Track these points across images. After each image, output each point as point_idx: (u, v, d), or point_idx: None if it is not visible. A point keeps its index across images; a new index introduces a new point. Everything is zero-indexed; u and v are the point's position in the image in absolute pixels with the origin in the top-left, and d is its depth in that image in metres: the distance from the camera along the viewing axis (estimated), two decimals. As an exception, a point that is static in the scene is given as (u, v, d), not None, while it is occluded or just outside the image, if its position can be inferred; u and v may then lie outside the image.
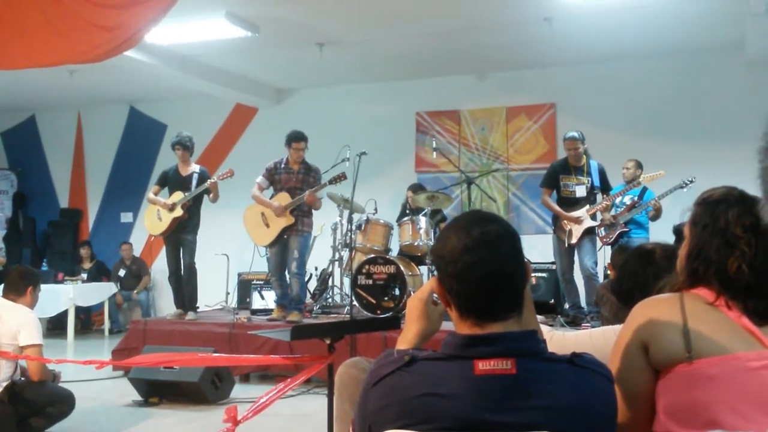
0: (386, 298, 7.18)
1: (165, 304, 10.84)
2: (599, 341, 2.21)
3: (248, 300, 8.52)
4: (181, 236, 7.42)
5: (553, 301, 7.77)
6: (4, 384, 4.43)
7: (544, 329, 2.34)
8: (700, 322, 1.69)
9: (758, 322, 1.68)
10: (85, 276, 10.81)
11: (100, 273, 11.20)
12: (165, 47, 8.52)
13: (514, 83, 9.89)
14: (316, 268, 9.14)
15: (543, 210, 9.75)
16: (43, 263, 11.41)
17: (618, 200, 7.58)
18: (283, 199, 7.15)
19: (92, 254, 11.46)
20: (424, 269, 7.77)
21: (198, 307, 7.78)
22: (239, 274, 9.29)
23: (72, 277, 10.53)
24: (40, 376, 4.54)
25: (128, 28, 5.72)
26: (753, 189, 1.71)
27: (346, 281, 8.24)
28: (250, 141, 11.00)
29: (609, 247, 7.44)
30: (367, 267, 7.32)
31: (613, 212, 7.46)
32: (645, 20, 7.82)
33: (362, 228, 7.73)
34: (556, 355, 1.53)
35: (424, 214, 7.66)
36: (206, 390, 5.98)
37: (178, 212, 7.32)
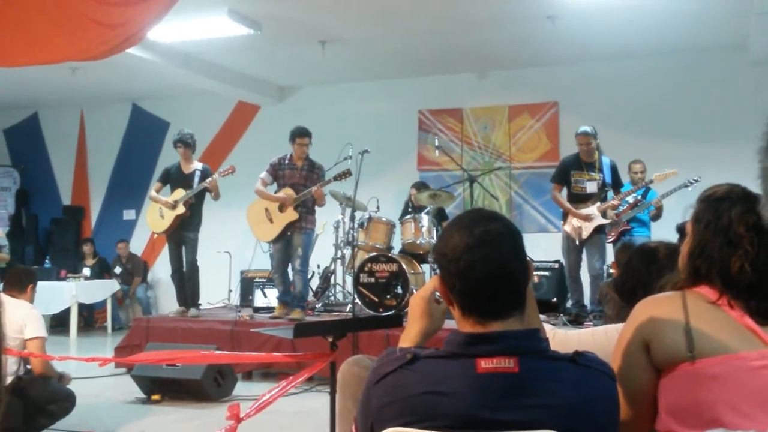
0: (388, 296, 7.19)
1: (167, 302, 10.85)
2: (601, 340, 2.21)
3: (251, 297, 8.53)
4: (183, 234, 7.43)
5: (555, 299, 7.76)
6: (10, 378, 4.44)
7: (547, 328, 2.34)
8: (703, 321, 1.69)
9: (761, 321, 1.68)
10: (87, 273, 10.82)
11: (102, 270, 11.21)
12: (168, 45, 8.53)
13: (516, 81, 9.89)
14: (318, 266, 9.15)
15: (545, 208, 9.75)
16: (46, 260, 11.42)
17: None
18: (288, 194, 7.15)
19: (95, 251, 11.47)
20: (426, 267, 7.77)
21: (200, 304, 7.79)
22: (242, 272, 9.30)
23: (75, 274, 10.55)
24: (42, 369, 4.60)
25: (131, 26, 5.72)
26: (755, 188, 1.71)
27: (349, 279, 8.25)
28: (253, 139, 11.00)
29: (611, 244, 7.42)
30: (369, 265, 7.32)
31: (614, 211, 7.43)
32: (648, 19, 7.81)
33: (364, 226, 7.73)
34: (559, 353, 1.53)
35: (427, 213, 7.66)
36: (209, 387, 5.99)
37: (180, 210, 7.33)
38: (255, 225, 7.33)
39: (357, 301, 7.28)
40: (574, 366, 1.49)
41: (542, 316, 1.88)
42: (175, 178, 7.55)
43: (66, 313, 9.97)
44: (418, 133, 10.39)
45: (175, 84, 10.36)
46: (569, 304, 7.42)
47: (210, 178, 7.30)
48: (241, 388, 6.44)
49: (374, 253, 7.49)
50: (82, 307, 10.58)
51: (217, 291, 9.33)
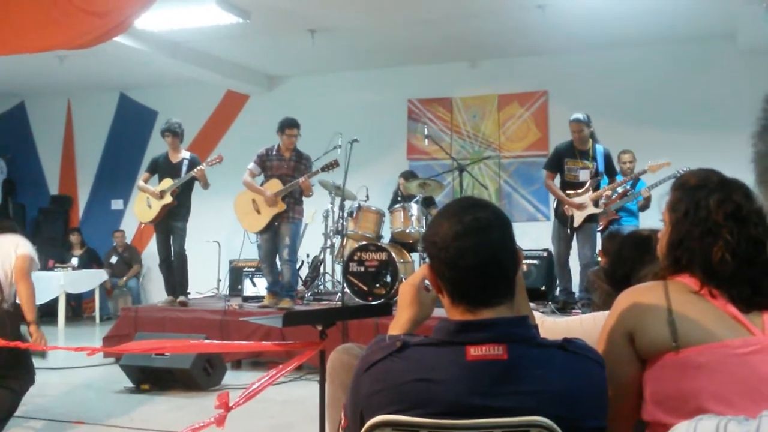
0: (378, 285, 7.20)
1: (155, 292, 10.83)
2: (590, 327, 2.22)
3: (240, 287, 8.52)
4: (171, 223, 7.40)
5: (544, 287, 7.80)
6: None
7: (536, 315, 2.35)
8: (686, 310, 1.69)
9: (744, 309, 1.68)
10: (75, 263, 10.78)
11: (90, 260, 11.17)
12: (156, 33, 8.47)
13: (506, 71, 9.88)
14: (307, 256, 9.14)
15: (535, 197, 9.78)
16: (34, 250, 11.34)
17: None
18: (275, 186, 7.13)
19: (83, 241, 11.42)
20: (415, 256, 7.78)
21: (189, 294, 7.77)
22: (230, 261, 9.28)
23: (62, 264, 10.50)
24: (23, 273, 4.50)
25: (118, 14, 5.68)
26: (745, 177, 1.71)
27: (338, 268, 8.25)
28: (242, 128, 10.96)
29: (599, 233, 7.44)
30: (358, 254, 7.32)
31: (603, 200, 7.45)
32: (637, 8, 7.81)
33: (354, 215, 7.73)
34: (548, 340, 1.53)
35: (416, 201, 7.67)
36: (198, 377, 5.99)
37: (168, 199, 7.30)
38: (242, 216, 7.33)
39: (346, 289, 7.28)
40: (563, 353, 1.50)
41: (531, 304, 1.88)
42: (162, 167, 7.52)
43: (54, 302, 9.92)
44: (408, 122, 10.39)
45: (163, 73, 10.30)
46: (557, 291, 7.45)
47: (197, 168, 7.26)
48: (231, 377, 6.44)
49: (363, 242, 7.50)
50: (70, 297, 10.54)
51: (206, 280, 9.31)
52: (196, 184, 7.45)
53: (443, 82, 10.17)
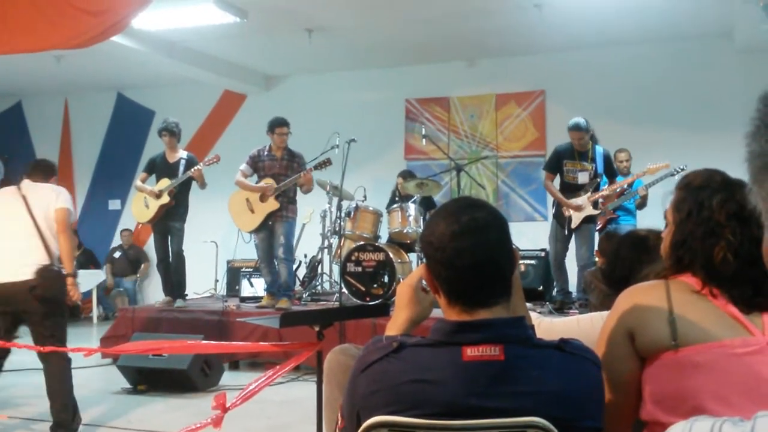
0: (375, 286, 7.19)
1: (153, 292, 10.82)
2: (587, 327, 2.22)
3: (237, 287, 8.52)
4: (168, 223, 7.39)
5: (541, 287, 7.80)
6: (35, 267, 4.55)
7: (533, 315, 2.35)
8: (687, 310, 1.69)
9: (744, 309, 1.68)
10: (73, 263, 10.75)
11: (88, 261, 11.15)
12: (153, 33, 8.46)
13: (503, 70, 9.88)
14: (305, 256, 9.14)
15: (532, 197, 9.78)
16: (31, 251, 11.33)
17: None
18: (269, 183, 7.15)
19: (80, 242, 11.39)
20: (413, 256, 7.78)
21: (186, 295, 7.77)
22: (228, 262, 9.28)
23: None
24: (64, 226, 4.72)
25: (115, 13, 5.67)
26: (740, 174, 1.71)
27: (336, 268, 8.24)
28: (239, 128, 10.95)
29: (597, 233, 7.44)
30: (356, 254, 7.32)
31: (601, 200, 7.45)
32: (634, 7, 7.82)
33: (351, 215, 7.72)
34: (545, 341, 1.53)
35: (414, 201, 7.66)
36: (195, 377, 5.99)
37: (165, 199, 7.29)
38: (236, 215, 7.34)
39: (344, 290, 7.28)
40: (559, 353, 1.50)
41: (528, 304, 1.88)
42: (160, 167, 7.51)
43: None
44: (405, 122, 10.38)
45: (160, 73, 10.29)
46: (554, 291, 7.45)
47: (194, 168, 7.26)
48: (228, 378, 6.44)
49: (361, 242, 7.49)
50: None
51: (203, 281, 9.30)
52: (194, 184, 7.44)
53: (441, 82, 10.17)
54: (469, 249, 1.49)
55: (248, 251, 8.02)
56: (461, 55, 9.80)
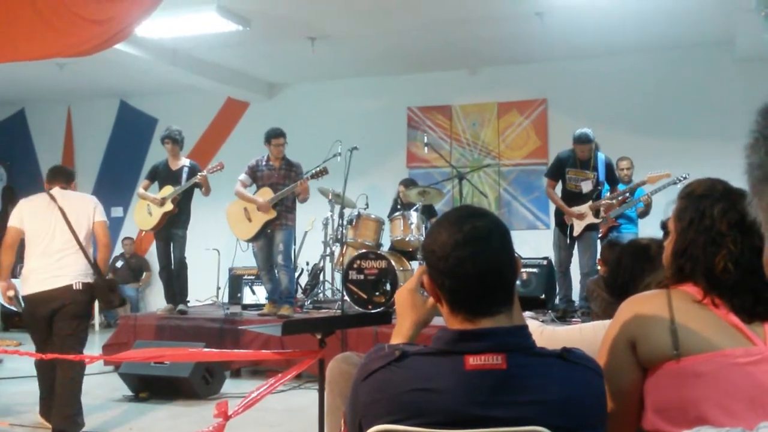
0: (377, 293, 7.18)
1: (154, 299, 10.82)
2: (589, 336, 2.21)
3: (239, 295, 8.51)
4: (171, 231, 7.40)
5: (544, 296, 7.78)
6: (82, 281, 4.94)
7: (535, 324, 2.35)
8: (688, 319, 1.69)
9: (746, 319, 1.68)
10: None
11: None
12: (156, 41, 8.48)
13: (505, 78, 9.90)
14: (307, 263, 9.13)
15: (534, 205, 9.78)
16: (33, 258, 11.34)
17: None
18: (266, 194, 7.18)
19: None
20: (415, 264, 7.77)
21: (188, 302, 7.77)
22: (230, 269, 9.28)
23: (62, 271, 10.48)
24: (107, 240, 5.22)
25: (119, 22, 5.70)
26: (741, 184, 1.71)
27: (338, 276, 8.24)
28: (242, 136, 10.96)
29: (599, 241, 7.43)
30: (358, 262, 7.31)
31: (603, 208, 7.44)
32: (636, 16, 7.83)
33: (353, 223, 7.72)
34: (547, 350, 1.53)
35: (416, 210, 7.66)
36: (197, 385, 5.98)
37: (168, 207, 7.30)
38: (234, 224, 7.38)
39: (346, 298, 7.27)
40: (562, 362, 1.50)
41: (530, 313, 1.88)
42: (162, 175, 7.53)
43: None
44: (407, 130, 10.39)
45: (163, 80, 10.31)
46: (557, 299, 7.44)
47: (200, 174, 7.28)
48: (230, 386, 6.43)
49: (363, 250, 7.49)
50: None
51: (205, 288, 9.30)
52: (196, 192, 7.45)
53: (443, 90, 10.19)
54: (471, 258, 1.49)
55: (250, 259, 8.02)
56: (463, 63, 9.82)
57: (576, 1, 7.34)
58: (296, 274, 8.28)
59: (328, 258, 8.49)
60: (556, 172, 7.19)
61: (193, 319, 7.33)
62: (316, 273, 8.86)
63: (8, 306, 5.23)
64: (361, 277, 7.27)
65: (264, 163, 7.35)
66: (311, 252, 9.07)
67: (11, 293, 5.09)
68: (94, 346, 8.98)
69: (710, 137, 8.64)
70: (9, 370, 7.28)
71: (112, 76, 10.38)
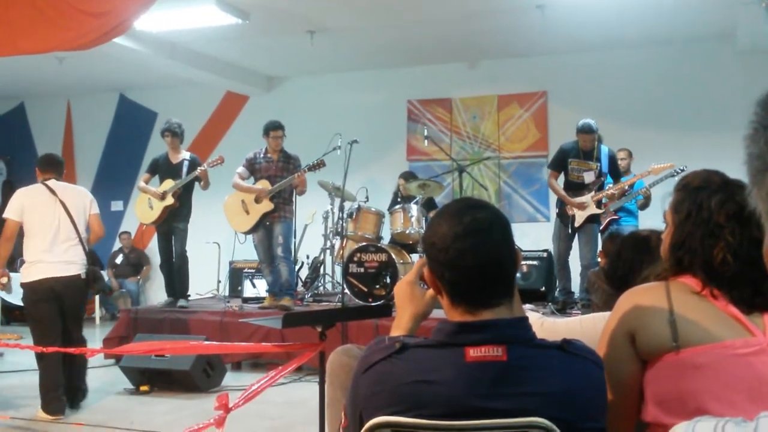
0: (378, 286, 7.19)
1: (155, 293, 10.83)
2: (589, 328, 2.22)
3: (240, 288, 8.52)
4: (172, 224, 7.41)
5: (544, 288, 7.78)
6: (80, 264, 5.46)
7: (534, 316, 2.35)
8: (687, 311, 1.69)
9: (745, 310, 1.68)
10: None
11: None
12: (155, 34, 8.46)
13: (505, 71, 9.88)
14: (307, 257, 9.14)
15: (534, 198, 9.78)
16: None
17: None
18: (264, 186, 7.19)
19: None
20: (415, 257, 7.77)
21: (189, 296, 7.77)
22: (230, 263, 9.28)
23: (62, 265, 10.48)
24: (102, 233, 5.82)
25: (117, 15, 5.69)
26: (740, 174, 1.71)
27: (338, 269, 8.25)
28: (241, 129, 10.95)
29: (600, 234, 7.43)
30: (358, 255, 7.32)
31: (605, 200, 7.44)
32: (636, 8, 7.81)
33: (354, 216, 7.73)
34: (547, 341, 1.53)
35: (416, 202, 7.66)
36: (198, 378, 5.99)
37: (169, 201, 7.30)
38: (232, 216, 7.39)
39: (346, 291, 7.28)
40: (562, 354, 1.50)
41: (530, 305, 1.88)
42: (163, 168, 7.52)
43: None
44: (407, 123, 10.38)
45: (162, 74, 10.29)
46: (557, 292, 7.45)
47: (200, 168, 7.28)
48: (230, 379, 6.44)
49: (363, 243, 7.50)
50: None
51: (205, 281, 9.30)
52: (197, 186, 7.45)
53: (443, 83, 10.17)
54: (471, 250, 1.49)
55: (250, 252, 8.02)
56: (463, 56, 9.81)
57: (576, -7, 7.33)
58: (296, 267, 8.28)
59: (328, 251, 8.50)
60: (559, 163, 7.19)
61: (194, 312, 7.34)
62: (316, 266, 8.87)
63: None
64: (362, 270, 7.28)
65: (262, 155, 7.36)
66: (311, 245, 9.08)
67: (4, 280, 5.43)
68: (94, 339, 8.98)
69: (711, 130, 8.63)
70: (9, 364, 7.29)
71: (111, 70, 10.36)
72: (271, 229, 7.26)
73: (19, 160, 12.38)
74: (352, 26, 8.51)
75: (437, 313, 1.65)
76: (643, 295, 1.77)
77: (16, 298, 7.21)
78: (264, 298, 7.56)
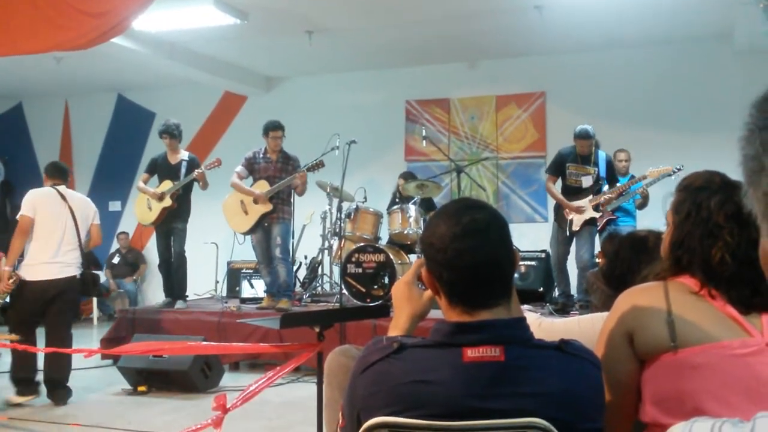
0: (376, 287, 7.19)
1: (153, 293, 10.82)
2: (587, 328, 2.22)
3: (238, 289, 8.52)
4: (171, 225, 7.41)
5: (542, 289, 7.79)
6: (76, 266, 5.74)
7: (532, 316, 2.35)
8: (685, 311, 1.69)
9: (743, 310, 1.68)
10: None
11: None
12: (153, 34, 8.46)
13: (503, 72, 9.89)
14: (305, 257, 9.13)
15: (532, 198, 9.78)
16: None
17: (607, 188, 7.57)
18: (263, 187, 7.19)
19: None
20: (413, 257, 7.77)
21: (187, 296, 7.77)
22: (228, 263, 9.28)
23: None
24: (100, 242, 6.29)
25: (116, 15, 5.69)
26: (738, 176, 1.71)
27: (336, 270, 8.25)
28: (240, 129, 10.95)
29: (597, 234, 7.43)
30: (356, 255, 7.32)
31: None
32: (634, 8, 7.82)
33: (352, 216, 7.73)
34: (545, 342, 1.53)
35: (414, 203, 7.66)
36: (196, 378, 5.99)
37: (167, 202, 7.29)
38: (231, 217, 7.39)
39: (344, 291, 7.28)
40: (560, 354, 1.50)
41: (529, 306, 1.88)
42: (161, 168, 7.52)
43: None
44: (406, 123, 10.39)
45: (160, 74, 10.29)
46: (556, 294, 7.45)
47: (198, 170, 7.27)
48: (228, 379, 6.44)
49: (361, 244, 7.49)
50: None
51: (204, 282, 9.30)
52: (195, 185, 7.45)
53: (441, 83, 10.17)
54: (469, 250, 1.49)
55: (248, 253, 8.02)
56: (461, 56, 9.81)
57: (574, -7, 7.34)
58: (294, 268, 8.28)
59: (326, 251, 8.50)
60: (557, 168, 7.20)
61: (192, 312, 7.33)
62: (314, 266, 8.86)
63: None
64: (360, 270, 7.28)
65: (261, 155, 7.35)
66: (309, 245, 9.08)
67: (11, 281, 5.60)
68: (92, 339, 8.99)
69: (709, 130, 8.64)
70: (7, 365, 7.27)
71: (109, 70, 10.36)
72: (270, 229, 7.26)
73: (17, 160, 12.38)
74: (350, 26, 8.51)
75: (435, 314, 1.65)
76: (642, 295, 1.77)
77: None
78: (262, 299, 7.56)
